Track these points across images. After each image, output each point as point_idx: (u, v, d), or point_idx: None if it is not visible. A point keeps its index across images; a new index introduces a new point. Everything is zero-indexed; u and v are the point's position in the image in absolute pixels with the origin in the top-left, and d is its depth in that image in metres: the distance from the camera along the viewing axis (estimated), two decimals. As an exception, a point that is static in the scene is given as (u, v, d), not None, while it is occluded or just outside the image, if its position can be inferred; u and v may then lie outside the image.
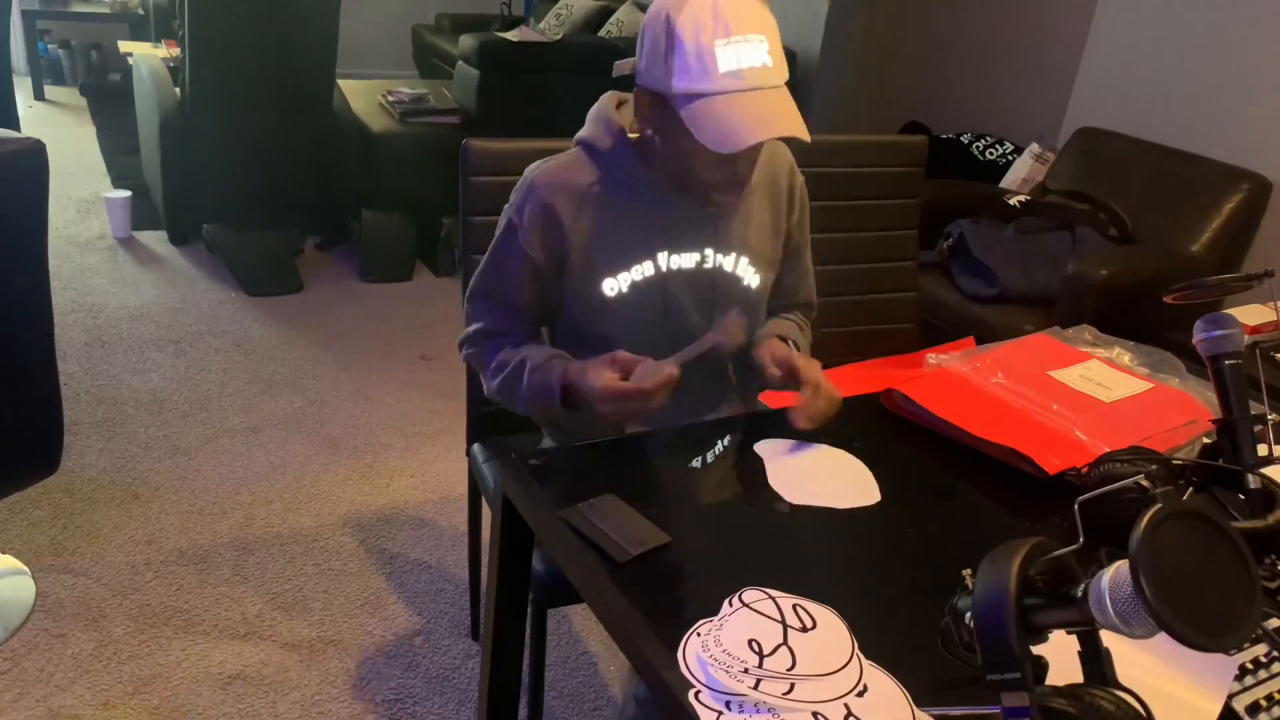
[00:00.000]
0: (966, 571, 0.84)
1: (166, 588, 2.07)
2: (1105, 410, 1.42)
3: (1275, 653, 0.97)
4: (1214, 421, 1.17)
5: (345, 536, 2.30)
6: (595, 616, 1.06)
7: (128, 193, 3.75)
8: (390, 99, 4.11)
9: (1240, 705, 0.91)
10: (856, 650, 0.92)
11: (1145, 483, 1.12)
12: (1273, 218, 3.02)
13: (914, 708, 0.87)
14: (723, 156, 1.21)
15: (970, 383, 1.48)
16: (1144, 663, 0.92)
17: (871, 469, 1.28)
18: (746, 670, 0.87)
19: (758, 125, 1.19)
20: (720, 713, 0.84)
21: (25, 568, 2.07)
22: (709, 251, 1.40)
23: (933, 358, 1.56)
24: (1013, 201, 3.32)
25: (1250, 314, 2.18)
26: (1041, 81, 4.13)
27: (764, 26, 1.19)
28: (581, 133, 1.41)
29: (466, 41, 3.93)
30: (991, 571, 0.77)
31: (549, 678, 1.95)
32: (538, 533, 1.18)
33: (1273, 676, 0.95)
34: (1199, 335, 1.16)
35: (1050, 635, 0.78)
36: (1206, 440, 1.25)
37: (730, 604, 0.96)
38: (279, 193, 3.80)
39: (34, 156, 1.51)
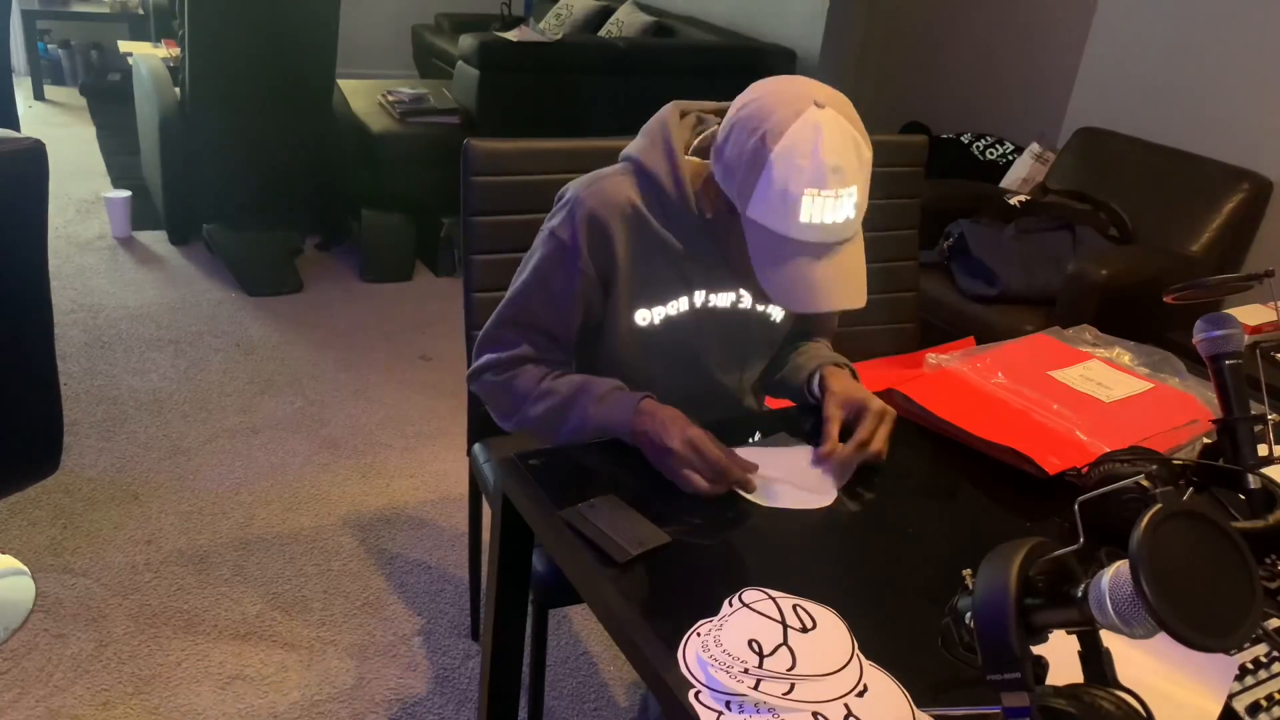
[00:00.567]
0: (966, 571, 0.84)
1: (166, 588, 2.07)
2: (1105, 410, 1.42)
3: (1275, 653, 0.97)
4: (1214, 421, 1.17)
5: (345, 536, 2.30)
6: (595, 616, 1.06)
7: (128, 193, 3.75)
8: (390, 99, 4.11)
9: (1240, 705, 0.91)
10: (856, 650, 0.92)
11: (1145, 483, 1.12)
12: (1273, 218, 3.02)
13: (914, 708, 0.87)
14: None
15: (970, 383, 1.48)
16: (1144, 663, 0.92)
17: (871, 469, 1.28)
18: (746, 670, 0.87)
19: (824, 293, 1.14)
20: (720, 713, 0.84)
21: (25, 568, 2.07)
22: (744, 292, 1.37)
23: (933, 358, 1.56)
24: (1013, 201, 3.32)
25: (1250, 314, 2.19)
26: (1041, 81, 4.14)
27: (859, 174, 1.12)
28: (634, 149, 1.33)
29: (466, 41, 3.93)
30: (991, 571, 0.77)
31: (549, 678, 1.95)
32: (538, 533, 1.18)
33: (1273, 676, 0.95)
34: (1199, 335, 1.17)
35: (1050, 635, 0.78)
36: (1206, 440, 1.25)
37: (730, 604, 0.96)
38: (279, 193, 3.80)
39: (34, 156, 1.51)
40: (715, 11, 4.79)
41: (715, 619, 0.95)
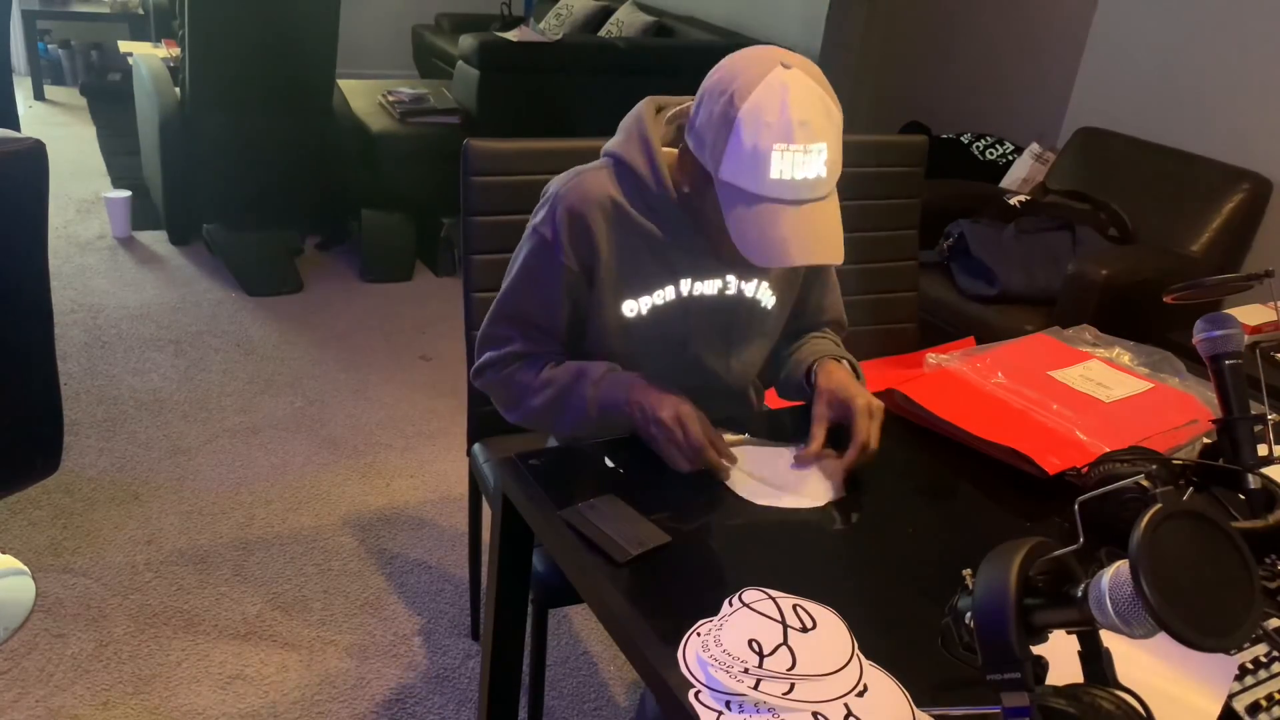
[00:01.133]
0: (966, 571, 0.84)
1: (166, 588, 2.07)
2: (1105, 410, 1.42)
3: (1275, 653, 0.97)
4: (1214, 421, 1.17)
5: (345, 536, 2.30)
6: (595, 616, 1.06)
7: (128, 193, 3.75)
8: (390, 99, 4.11)
9: (1240, 705, 0.91)
10: (856, 650, 0.92)
11: (1145, 483, 1.12)
12: (1273, 218, 3.02)
13: (914, 708, 0.87)
14: None
15: (970, 383, 1.48)
16: (1144, 663, 0.92)
17: (871, 469, 1.28)
18: (747, 670, 0.87)
19: (794, 246, 1.14)
20: (720, 713, 0.84)
21: (25, 568, 2.07)
22: (730, 278, 1.38)
23: (933, 358, 1.56)
24: (1013, 201, 3.32)
25: (1250, 314, 2.19)
26: (1041, 81, 4.14)
27: (828, 132, 1.13)
28: (613, 145, 1.35)
29: (466, 41, 3.93)
30: (991, 571, 0.77)
31: (549, 678, 1.95)
32: (538, 533, 1.18)
33: (1273, 676, 0.95)
34: (1199, 335, 1.17)
35: (1050, 635, 0.78)
36: (1206, 440, 1.25)
37: (730, 604, 0.96)
38: (279, 193, 3.80)
39: (34, 156, 1.51)
40: (715, 11, 4.79)
41: (715, 619, 0.95)
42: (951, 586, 0.86)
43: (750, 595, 0.98)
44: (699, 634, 0.93)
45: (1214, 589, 0.70)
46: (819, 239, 1.16)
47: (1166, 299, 1.35)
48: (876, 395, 1.34)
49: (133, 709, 1.77)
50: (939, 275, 3.02)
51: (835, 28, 4.19)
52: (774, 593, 0.98)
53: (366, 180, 3.90)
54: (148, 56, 3.96)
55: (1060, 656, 0.78)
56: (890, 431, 1.38)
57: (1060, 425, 1.37)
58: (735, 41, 4.45)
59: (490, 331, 1.41)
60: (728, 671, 0.87)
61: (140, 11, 5.75)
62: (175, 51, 4.03)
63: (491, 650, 1.33)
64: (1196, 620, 0.67)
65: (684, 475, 1.23)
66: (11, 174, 1.49)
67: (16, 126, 3.96)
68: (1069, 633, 0.78)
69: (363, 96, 4.18)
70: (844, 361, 1.40)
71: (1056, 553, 0.78)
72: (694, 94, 1.38)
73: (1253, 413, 1.14)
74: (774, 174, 1.12)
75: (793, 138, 1.11)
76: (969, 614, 0.81)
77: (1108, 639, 0.77)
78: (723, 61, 1.19)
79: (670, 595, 1.01)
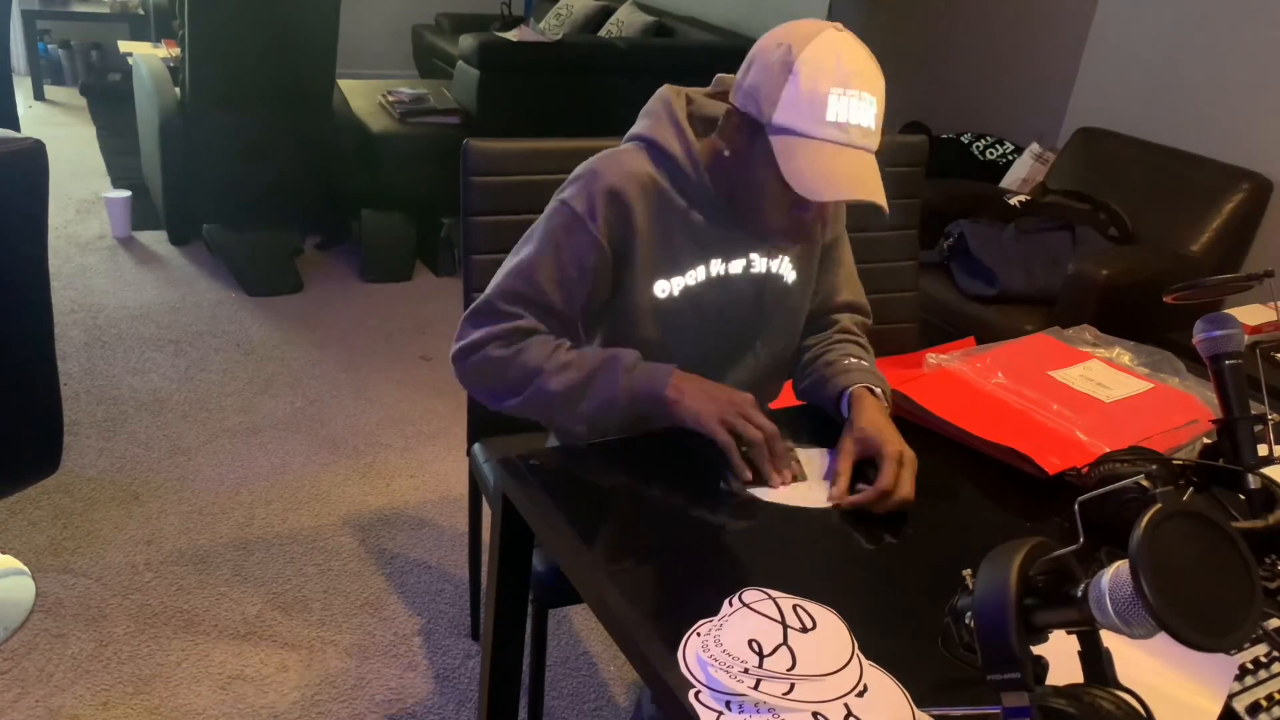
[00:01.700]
0: (966, 571, 0.84)
1: (166, 588, 2.07)
2: (1105, 410, 1.42)
3: (1275, 653, 0.97)
4: (1214, 421, 1.17)
5: (345, 536, 2.30)
6: (595, 616, 1.06)
7: (128, 193, 3.75)
8: (390, 99, 4.11)
9: (1240, 705, 0.91)
10: (856, 650, 0.92)
11: (1145, 483, 1.12)
12: (1273, 218, 3.02)
13: (914, 708, 0.87)
14: (794, 202, 1.20)
15: (970, 383, 1.48)
16: (1144, 663, 0.92)
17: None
18: (747, 670, 0.87)
19: (846, 181, 1.17)
20: (720, 713, 0.84)
21: (25, 568, 2.07)
22: (755, 256, 1.38)
23: (933, 358, 1.56)
24: (1013, 201, 3.32)
25: (1250, 314, 2.19)
26: (1041, 81, 4.13)
27: (877, 88, 1.19)
28: (642, 129, 1.34)
29: (466, 41, 3.93)
30: (991, 571, 0.77)
31: (549, 678, 1.95)
32: (538, 533, 1.18)
33: (1273, 676, 0.95)
34: (1199, 335, 1.17)
35: (1050, 635, 0.78)
36: (1206, 440, 1.25)
37: (730, 604, 0.96)
38: (279, 193, 3.80)
39: (34, 156, 1.51)
40: (715, 11, 4.79)
41: (715, 619, 0.95)
42: (951, 586, 0.86)
43: (750, 595, 0.98)
44: (699, 634, 0.93)
45: (1214, 589, 0.70)
46: (866, 179, 1.19)
47: (1166, 299, 1.35)
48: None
49: (133, 709, 1.77)
50: (939, 275, 3.02)
51: (835, 28, 4.18)
52: (774, 593, 0.98)
53: (366, 180, 3.90)
54: (148, 56, 3.96)
55: (1060, 656, 0.78)
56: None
57: (1060, 425, 1.37)
58: (735, 41, 4.45)
59: (492, 306, 1.32)
60: (728, 671, 0.87)
61: (140, 11, 5.75)
62: (175, 51, 4.03)
63: (491, 650, 1.33)
64: (1196, 620, 0.67)
65: (684, 474, 1.23)
66: (11, 174, 1.49)
67: (16, 126, 3.96)
68: (1069, 633, 0.78)
69: (363, 96, 4.18)
70: (879, 386, 1.36)
71: (1056, 553, 0.78)
72: (658, 91, 1.40)
73: (1253, 413, 1.14)
74: (830, 115, 1.17)
75: (849, 83, 1.16)
76: (969, 614, 0.81)
77: (1108, 639, 0.77)
78: (772, 30, 1.25)
79: (670, 595, 1.01)
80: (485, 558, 1.51)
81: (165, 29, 5.17)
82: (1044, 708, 0.73)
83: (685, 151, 1.31)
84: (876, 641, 0.93)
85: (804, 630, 0.93)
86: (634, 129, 1.37)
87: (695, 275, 1.36)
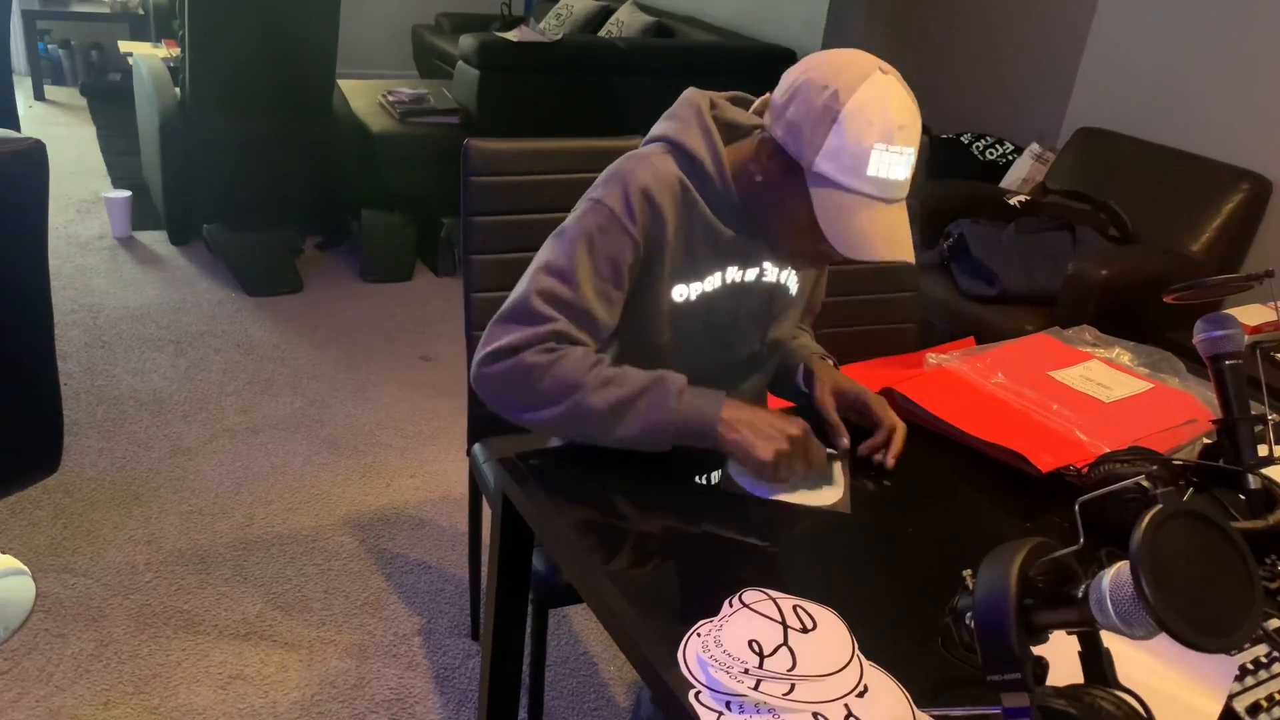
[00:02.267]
0: (966, 571, 0.84)
1: (166, 588, 2.07)
2: (1105, 410, 1.42)
3: (1275, 653, 0.97)
4: (1214, 421, 1.17)
5: (345, 536, 2.30)
6: (595, 616, 1.06)
7: (128, 193, 3.75)
8: (390, 99, 4.11)
9: (1241, 706, 0.91)
10: (856, 650, 0.92)
11: (1145, 483, 1.12)
12: (1273, 218, 3.02)
13: (914, 708, 0.87)
14: (819, 235, 1.19)
15: (970, 383, 1.48)
16: (1144, 663, 0.92)
17: (872, 469, 1.28)
18: (747, 671, 0.87)
19: (883, 242, 1.18)
20: (720, 713, 0.84)
21: (25, 568, 2.07)
22: (767, 264, 1.39)
23: (933, 358, 1.56)
24: (1013, 201, 3.32)
25: (1250, 314, 2.19)
26: (1041, 81, 4.13)
27: (917, 138, 1.19)
28: (669, 131, 1.32)
29: (466, 41, 3.93)
30: (991, 571, 0.77)
31: (549, 678, 1.95)
32: (538, 533, 1.18)
33: (1273, 677, 0.95)
34: (1199, 335, 1.17)
35: (1050, 635, 0.78)
36: (1206, 440, 1.25)
37: (730, 604, 0.96)
38: (279, 193, 3.80)
39: (34, 156, 1.51)
40: (715, 11, 4.79)
41: (715, 619, 0.95)
42: (951, 586, 0.86)
43: (750, 595, 0.97)
44: (699, 634, 0.93)
45: (1214, 589, 0.70)
46: (899, 238, 1.20)
47: (1166, 299, 1.35)
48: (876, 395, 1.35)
49: (133, 709, 1.77)
50: (939, 275, 3.02)
51: (835, 28, 4.19)
52: (774, 593, 0.98)
53: (366, 180, 3.90)
54: (148, 56, 3.96)
55: (1060, 656, 0.78)
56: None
57: (1060, 425, 1.37)
58: (735, 42, 4.45)
59: (526, 307, 1.24)
60: (728, 672, 0.87)
61: (140, 11, 5.75)
62: (175, 51, 4.03)
63: (491, 650, 1.33)
64: (1196, 620, 0.67)
65: (684, 475, 1.23)
66: (11, 174, 1.49)
67: (16, 126, 3.96)
68: (1069, 633, 0.78)
69: (363, 96, 4.18)
70: (829, 361, 1.46)
71: (1056, 553, 0.78)
72: (683, 94, 1.39)
73: (1253, 413, 1.14)
74: (871, 171, 1.16)
75: (893, 139, 1.15)
76: (969, 614, 0.81)
77: (1108, 639, 0.77)
78: (811, 59, 1.21)
79: (670, 595, 1.01)
80: (485, 558, 1.51)
81: (165, 29, 5.17)
82: (1044, 708, 0.73)
83: (713, 158, 1.30)
84: (876, 641, 0.93)
85: (804, 630, 0.93)
86: (659, 130, 1.34)
87: (713, 282, 1.36)
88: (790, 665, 0.88)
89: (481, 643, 1.73)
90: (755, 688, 0.86)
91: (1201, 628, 0.67)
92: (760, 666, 0.88)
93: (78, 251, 3.61)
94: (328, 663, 1.93)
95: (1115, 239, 3.07)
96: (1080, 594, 0.74)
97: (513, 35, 4.06)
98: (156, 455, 2.51)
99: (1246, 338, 1.17)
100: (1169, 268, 2.85)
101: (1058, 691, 0.76)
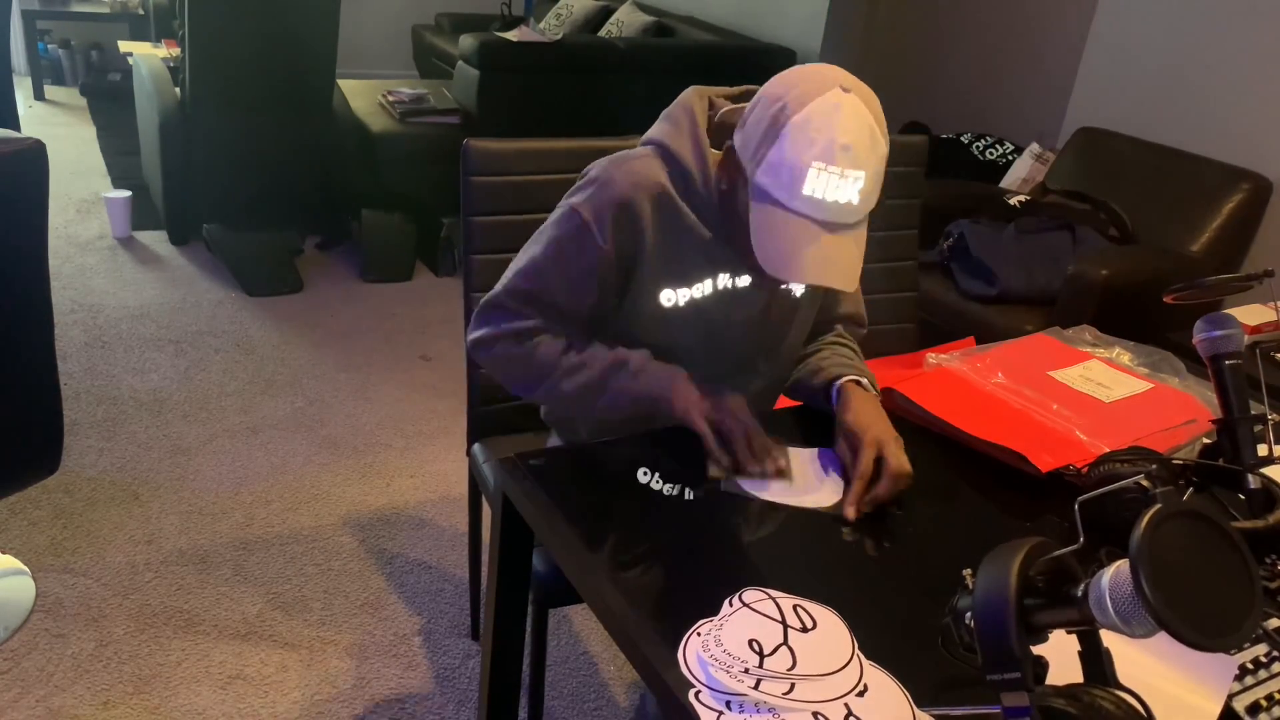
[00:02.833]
0: (966, 571, 0.84)
1: (166, 588, 2.07)
2: (1105, 410, 1.42)
3: (1275, 653, 0.97)
4: (1214, 421, 1.17)
5: (345, 536, 2.30)
6: (595, 616, 1.06)
7: (128, 193, 3.75)
8: (390, 99, 4.11)
9: (1240, 705, 0.91)
10: (857, 650, 0.92)
11: (1145, 483, 1.12)
12: (1273, 218, 3.02)
13: (914, 708, 0.87)
14: None
15: (970, 382, 1.48)
16: (1144, 663, 0.92)
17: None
18: (747, 670, 0.87)
19: (807, 266, 1.14)
20: (720, 713, 0.84)
21: (25, 568, 2.07)
22: None
23: (933, 358, 1.56)
24: (1013, 201, 3.32)
25: (1250, 314, 2.19)
26: (1041, 81, 4.14)
27: (870, 161, 1.13)
28: (660, 134, 1.33)
29: (466, 41, 3.93)
30: (991, 571, 0.77)
31: (549, 678, 1.95)
32: (538, 533, 1.18)
33: (1273, 676, 0.95)
34: (1199, 335, 1.17)
35: (1050, 635, 0.78)
36: (1206, 440, 1.25)
37: (730, 604, 0.96)
38: (279, 193, 3.80)
39: (34, 156, 1.51)
40: (715, 11, 4.79)
41: (715, 619, 0.95)
42: (951, 586, 0.86)
43: (750, 595, 0.98)
44: (699, 634, 0.93)
45: (1214, 589, 0.70)
46: (831, 263, 1.16)
47: (1166, 299, 1.35)
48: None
49: (133, 709, 1.77)
50: (939, 275, 3.02)
51: (835, 28, 4.19)
52: (774, 593, 0.98)
53: (366, 180, 3.90)
54: (148, 56, 3.96)
55: (1060, 656, 0.78)
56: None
57: (1060, 425, 1.37)
58: (735, 42, 4.45)
59: (504, 302, 1.35)
60: (728, 671, 0.87)
61: (140, 11, 5.75)
62: (175, 51, 4.03)
63: (491, 650, 1.33)
64: (1196, 620, 0.67)
65: (685, 474, 1.23)
66: (11, 174, 1.49)
67: (16, 126, 3.95)
68: (1069, 633, 0.78)
69: (363, 96, 4.18)
70: (865, 377, 1.38)
71: (1056, 553, 0.78)
72: (707, 87, 1.38)
73: (1253, 413, 1.14)
74: (806, 190, 1.12)
75: (833, 159, 1.11)
76: (969, 614, 0.81)
77: (1108, 639, 0.77)
78: (786, 71, 1.20)
79: (670, 595, 1.01)
80: (485, 558, 1.51)
81: (165, 29, 5.17)
82: (1044, 708, 0.74)
83: (699, 167, 1.29)
84: (876, 641, 0.93)
85: (804, 630, 0.93)
86: (652, 132, 1.34)
87: (702, 288, 1.35)
88: (790, 665, 0.88)
89: (481, 643, 1.73)
90: (755, 687, 0.86)
91: (1201, 627, 0.67)
92: (760, 666, 0.88)
93: (78, 251, 3.61)
94: (328, 663, 1.93)
95: (1115, 239, 3.07)
96: (1080, 593, 0.74)
97: (513, 35, 4.06)
98: (156, 455, 2.51)
99: (1246, 338, 1.16)
100: (1169, 268, 2.85)
101: (1058, 691, 0.76)
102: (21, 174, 1.51)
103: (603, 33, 5.00)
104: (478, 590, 2.05)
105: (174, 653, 1.90)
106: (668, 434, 1.30)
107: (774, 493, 1.21)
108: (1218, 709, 0.90)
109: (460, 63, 4.03)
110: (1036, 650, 0.76)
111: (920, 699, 0.88)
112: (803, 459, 1.29)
